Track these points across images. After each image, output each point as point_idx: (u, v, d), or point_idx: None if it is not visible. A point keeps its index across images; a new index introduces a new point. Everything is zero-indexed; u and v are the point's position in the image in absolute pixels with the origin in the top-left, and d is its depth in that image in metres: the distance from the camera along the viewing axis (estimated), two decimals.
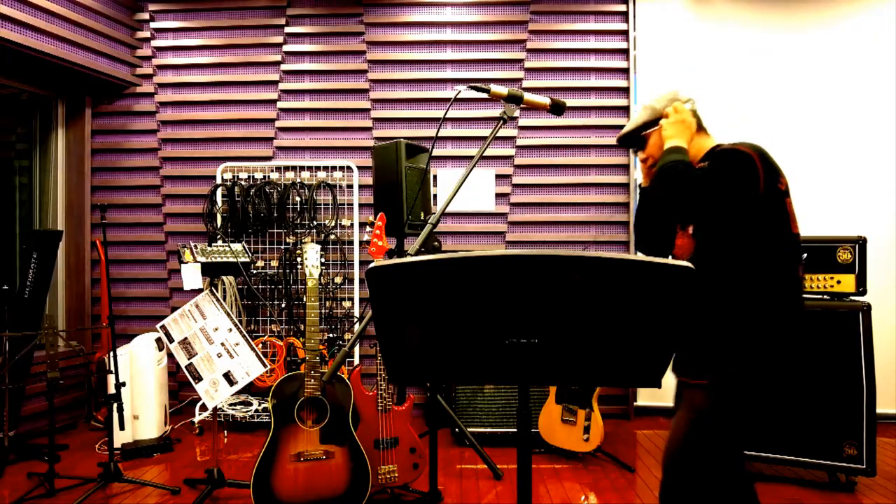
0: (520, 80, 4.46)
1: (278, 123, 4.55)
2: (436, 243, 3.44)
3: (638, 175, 4.37)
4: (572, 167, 4.47)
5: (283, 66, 4.54)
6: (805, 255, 3.12)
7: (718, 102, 4.30)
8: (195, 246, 2.95)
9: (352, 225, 4.38)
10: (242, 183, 4.34)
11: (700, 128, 1.90)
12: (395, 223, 3.24)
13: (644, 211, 2.02)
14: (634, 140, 1.99)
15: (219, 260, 2.96)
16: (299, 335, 4.16)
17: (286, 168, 4.43)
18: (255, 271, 4.30)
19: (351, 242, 4.38)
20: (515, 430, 1.45)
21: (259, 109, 4.56)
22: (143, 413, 3.69)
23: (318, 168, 4.41)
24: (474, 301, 1.04)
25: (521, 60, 4.48)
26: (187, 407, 4.37)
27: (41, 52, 3.62)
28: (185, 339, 2.85)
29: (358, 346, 4.25)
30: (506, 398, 3.70)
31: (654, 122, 1.92)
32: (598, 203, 4.46)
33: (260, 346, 3.92)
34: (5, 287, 3.50)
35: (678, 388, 1.86)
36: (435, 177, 4.43)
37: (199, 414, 4.05)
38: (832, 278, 3.07)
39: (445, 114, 2.07)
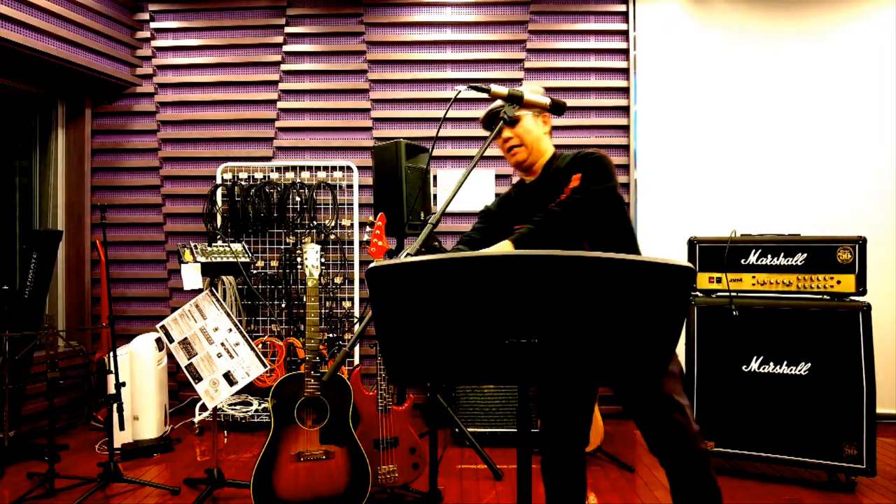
0: (520, 80, 4.46)
1: (278, 123, 4.55)
2: (436, 243, 3.43)
3: (639, 175, 4.37)
4: None
5: (283, 67, 4.54)
6: (805, 254, 3.13)
7: (718, 102, 4.31)
8: (195, 246, 2.95)
9: (352, 225, 4.38)
10: (242, 183, 4.34)
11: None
12: (395, 223, 3.24)
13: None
14: (495, 118, 1.88)
15: (219, 260, 2.96)
16: (299, 335, 4.16)
17: (286, 168, 4.42)
18: (255, 271, 4.30)
19: (351, 242, 4.38)
20: (515, 430, 1.45)
21: (259, 109, 4.56)
22: (143, 413, 3.69)
23: (318, 168, 4.41)
24: (474, 301, 1.04)
25: (521, 60, 4.48)
26: (187, 407, 4.37)
27: (41, 52, 3.62)
28: (185, 339, 2.85)
29: (358, 346, 4.25)
30: (506, 398, 3.70)
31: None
32: None
33: (260, 346, 3.92)
34: (5, 287, 3.50)
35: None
36: (435, 177, 4.44)
37: (199, 414, 4.05)
38: (832, 278, 3.07)
39: (445, 114, 2.07)
